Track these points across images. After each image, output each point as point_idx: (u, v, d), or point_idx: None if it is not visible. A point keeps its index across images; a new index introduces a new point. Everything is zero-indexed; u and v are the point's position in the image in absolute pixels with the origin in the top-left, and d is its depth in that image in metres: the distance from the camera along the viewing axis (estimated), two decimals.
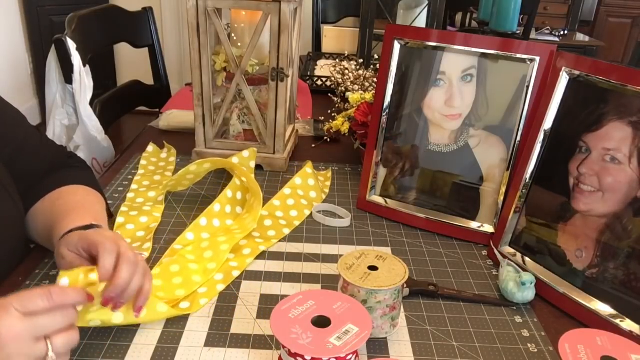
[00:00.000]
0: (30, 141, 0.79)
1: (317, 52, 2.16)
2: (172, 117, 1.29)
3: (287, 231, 0.87)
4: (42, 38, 3.13)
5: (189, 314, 0.67)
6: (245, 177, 0.91)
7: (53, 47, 1.22)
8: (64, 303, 0.52)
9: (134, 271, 0.59)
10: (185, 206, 0.94)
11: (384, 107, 0.91)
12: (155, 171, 1.06)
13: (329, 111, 1.28)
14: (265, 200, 0.94)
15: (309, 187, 0.99)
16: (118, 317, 0.62)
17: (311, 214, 0.93)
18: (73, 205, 0.73)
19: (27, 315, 0.49)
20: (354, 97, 1.18)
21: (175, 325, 0.66)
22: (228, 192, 0.90)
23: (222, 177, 1.04)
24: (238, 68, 1.01)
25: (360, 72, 1.41)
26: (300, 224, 0.90)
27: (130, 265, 0.59)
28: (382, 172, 0.95)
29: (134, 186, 0.98)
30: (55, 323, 0.51)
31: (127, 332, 0.64)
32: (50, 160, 0.81)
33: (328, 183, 1.06)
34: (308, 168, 1.01)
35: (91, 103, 1.29)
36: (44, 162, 0.79)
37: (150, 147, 1.14)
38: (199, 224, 0.85)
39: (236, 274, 0.76)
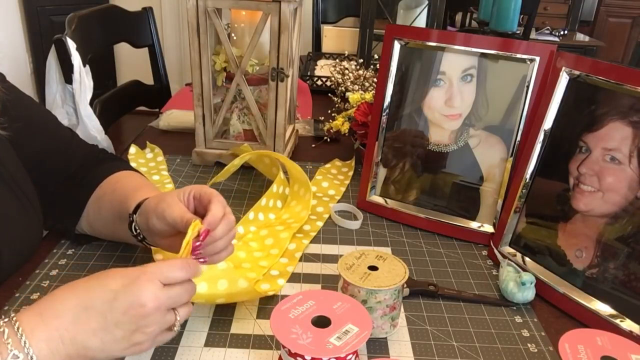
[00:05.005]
0: (64, 134, 0.81)
1: (317, 52, 2.16)
2: (172, 117, 1.29)
3: (320, 224, 0.89)
4: (42, 38, 3.12)
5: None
6: (291, 167, 0.92)
7: (53, 47, 1.22)
8: (196, 275, 0.55)
9: (230, 230, 0.63)
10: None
11: (384, 107, 0.91)
12: (149, 172, 1.04)
13: (329, 111, 1.28)
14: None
15: (327, 188, 1.03)
16: (202, 287, 0.63)
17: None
18: (141, 183, 0.76)
19: (167, 286, 0.52)
20: (354, 97, 1.18)
21: None
22: (274, 187, 0.91)
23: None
24: (238, 68, 1.00)
25: (360, 72, 1.41)
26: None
27: (230, 224, 0.63)
28: (382, 172, 0.95)
29: None
30: (186, 296, 0.54)
31: None
32: (85, 154, 0.82)
33: (350, 173, 1.09)
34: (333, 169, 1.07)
35: (91, 103, 1.29)
36: (77, 157, 0.80)
37: (133, 149, 1.13)
38: (247, 218, 0.87)
39: (290, 269, 0.77)
